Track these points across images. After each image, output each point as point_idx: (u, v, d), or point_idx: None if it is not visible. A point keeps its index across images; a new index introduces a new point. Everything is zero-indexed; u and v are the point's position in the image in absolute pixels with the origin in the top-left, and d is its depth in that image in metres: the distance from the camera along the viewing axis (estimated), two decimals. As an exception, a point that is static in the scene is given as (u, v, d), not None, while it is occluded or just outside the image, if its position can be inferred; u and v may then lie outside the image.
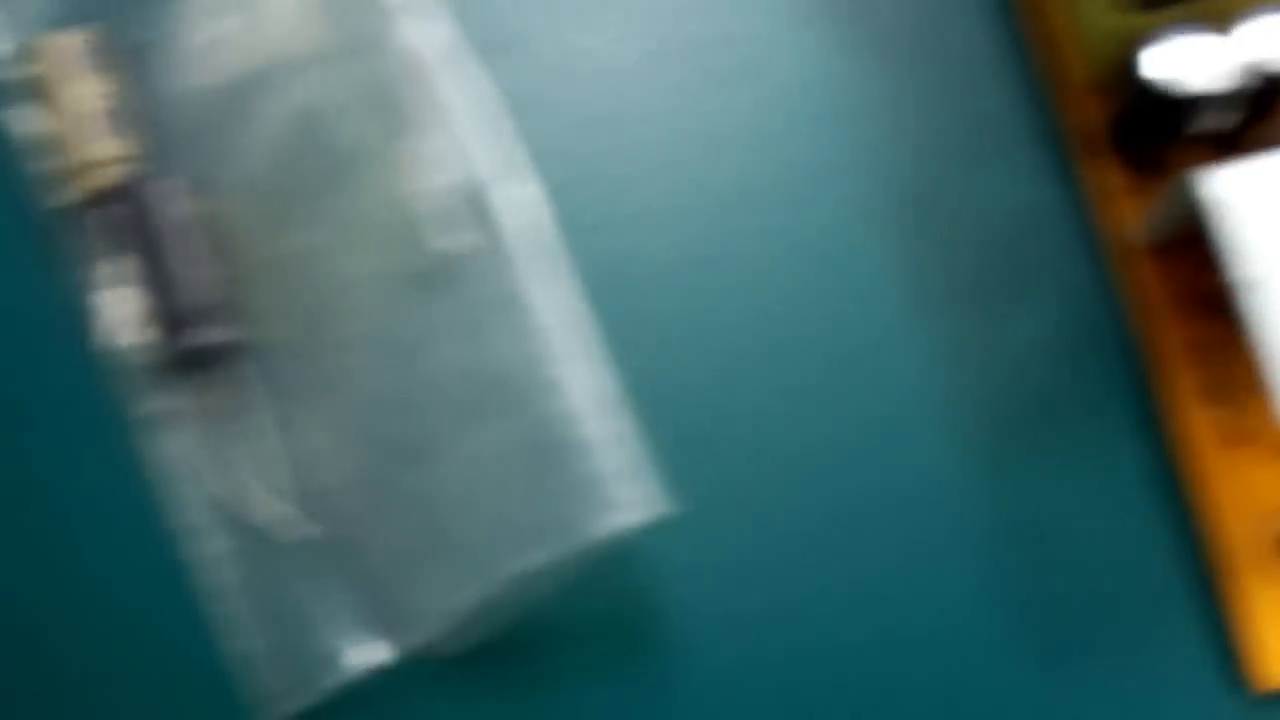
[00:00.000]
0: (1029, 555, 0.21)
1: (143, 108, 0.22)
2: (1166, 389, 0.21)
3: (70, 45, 0.22)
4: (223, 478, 0.21)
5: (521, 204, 0.21)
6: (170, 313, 0.21)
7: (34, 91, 0.22)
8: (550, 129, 0.23)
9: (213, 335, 0.21)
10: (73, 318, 0.22)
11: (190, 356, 0.21)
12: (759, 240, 0.23)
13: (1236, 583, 0.20)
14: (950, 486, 0.22)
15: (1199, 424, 0.21)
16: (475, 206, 0.20)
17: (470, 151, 0.20)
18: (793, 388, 0.22)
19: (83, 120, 0.22)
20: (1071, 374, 0.22)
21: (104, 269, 0.22)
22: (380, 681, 0.21)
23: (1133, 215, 0.21)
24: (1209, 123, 0.20)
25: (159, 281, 0.21)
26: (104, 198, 0.22)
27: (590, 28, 0.23)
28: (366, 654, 0.21)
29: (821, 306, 0.22)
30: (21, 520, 0.22)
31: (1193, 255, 0.20)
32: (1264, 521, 0.20)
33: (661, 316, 0.22)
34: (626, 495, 0.19)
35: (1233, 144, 0.21)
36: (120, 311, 0.22)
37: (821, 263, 0.22)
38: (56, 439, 0.22)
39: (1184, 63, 0.19)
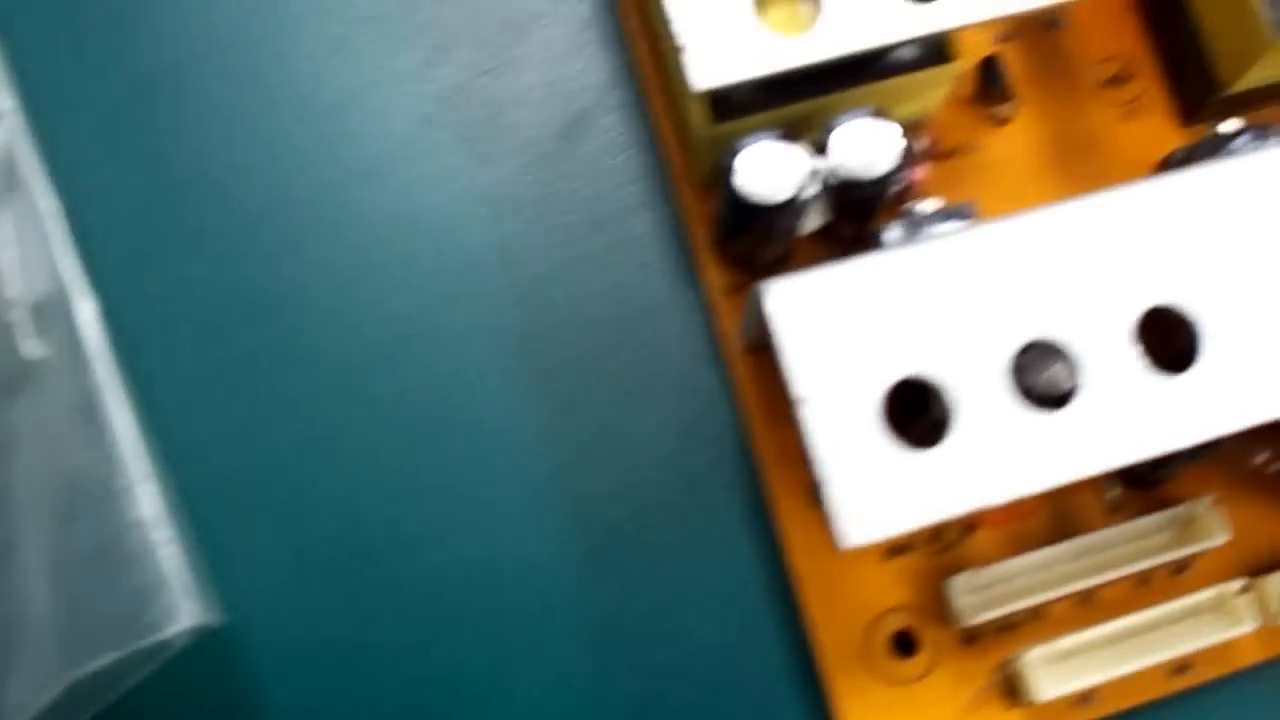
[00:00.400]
0: (640, 654, 0.21)
1: None
2: (771, 491, 0.21)
3: None
4: None
5: (86, 320, 0.20)
6: None
7: None
8: (138, 237, 0.22)
9: None
10: None
11: None
12: (376, 328, 0.22)
13: (831, 681, 0.21)
14: (562, 581, 0.22)
15: (796, 526, 0.21)
16: (47, 319, 0.20)
17: (38, 266, 0.20)
18: (397, 473, 0.22)
19: None
20: (690, 471, 0.22)
21: None
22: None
23: (736, 316, 0.22)
24: (799, 226, 0.20)
25: None
26: None
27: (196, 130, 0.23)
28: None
29: (434, 391, 0.22)
30: None
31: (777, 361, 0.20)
32: (855, 623, 0.21)
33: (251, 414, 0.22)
34: (184, 604, 0.19)
35: (851, 246, 0.21)
36: None
37: (439, 347, 0.22)
38: None
39: (767, 169, 0.20)
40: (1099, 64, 0.23)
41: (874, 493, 0.17)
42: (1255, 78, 0.22)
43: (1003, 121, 0.23)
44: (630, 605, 0.22)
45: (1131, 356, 0.18)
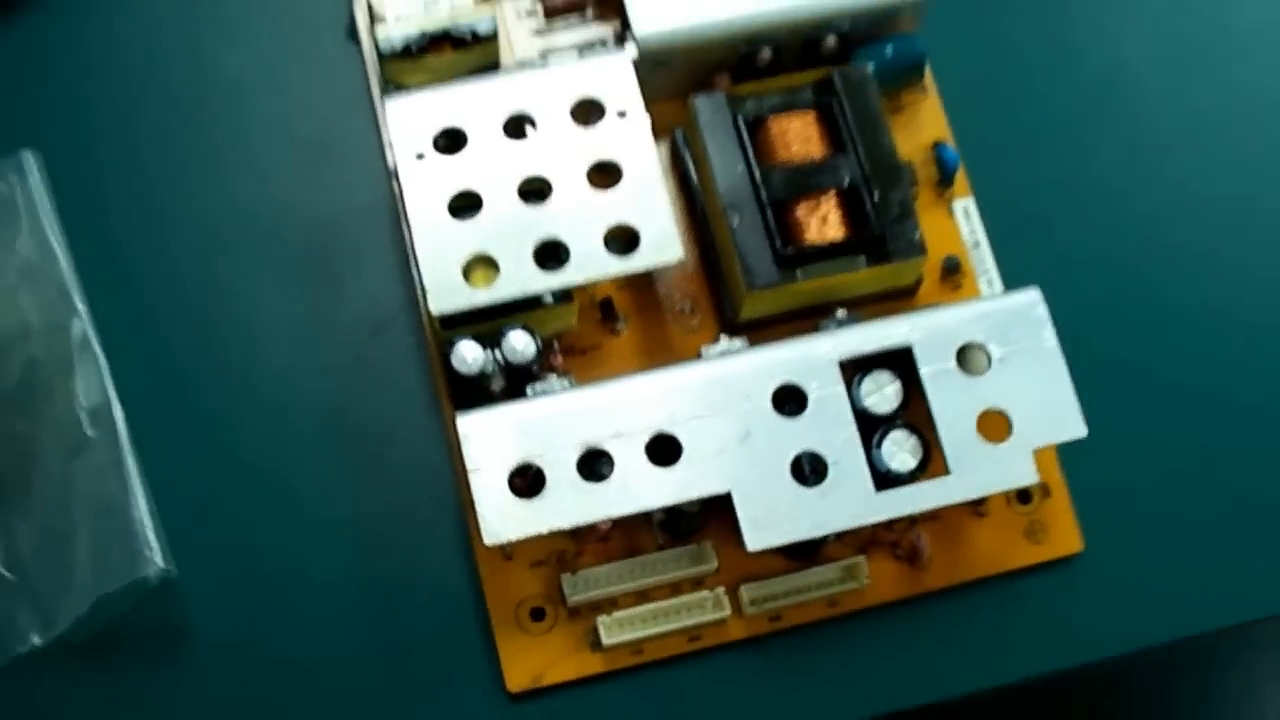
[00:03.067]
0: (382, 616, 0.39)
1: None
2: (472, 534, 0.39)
3: None
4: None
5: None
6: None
7: None
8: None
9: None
10: None
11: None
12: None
13: (497, 635, 0.38)
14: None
15: (485, 552, 0.39)
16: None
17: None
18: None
19: None
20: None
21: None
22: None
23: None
24: (491, 387, 0.38)
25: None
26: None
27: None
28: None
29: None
30: None
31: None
32: (510, 600, 0.38)
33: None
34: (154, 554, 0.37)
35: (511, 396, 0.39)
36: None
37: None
38: None
39: (465, 356, 0.38)
40: (679, 300, 0.41)
41: (503, 520, 0.35)
42: (748, 312, 0.40)
43: (618, 333, 0.41)
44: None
45: (643, 459, 0.36)
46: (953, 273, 0.42)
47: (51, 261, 0.40)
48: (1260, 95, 0.45)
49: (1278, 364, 0.42)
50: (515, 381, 0.38)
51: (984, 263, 0.42)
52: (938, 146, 0.43)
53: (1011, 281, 0.42)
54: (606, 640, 0.38)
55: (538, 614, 0.39)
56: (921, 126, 0.44)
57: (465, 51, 0.41)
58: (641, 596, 0.38)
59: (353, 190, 0.42)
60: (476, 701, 0.38)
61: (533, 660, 0.38)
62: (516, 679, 0.38)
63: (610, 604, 0.38)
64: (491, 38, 0.41)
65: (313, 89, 0.43)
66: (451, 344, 0.38)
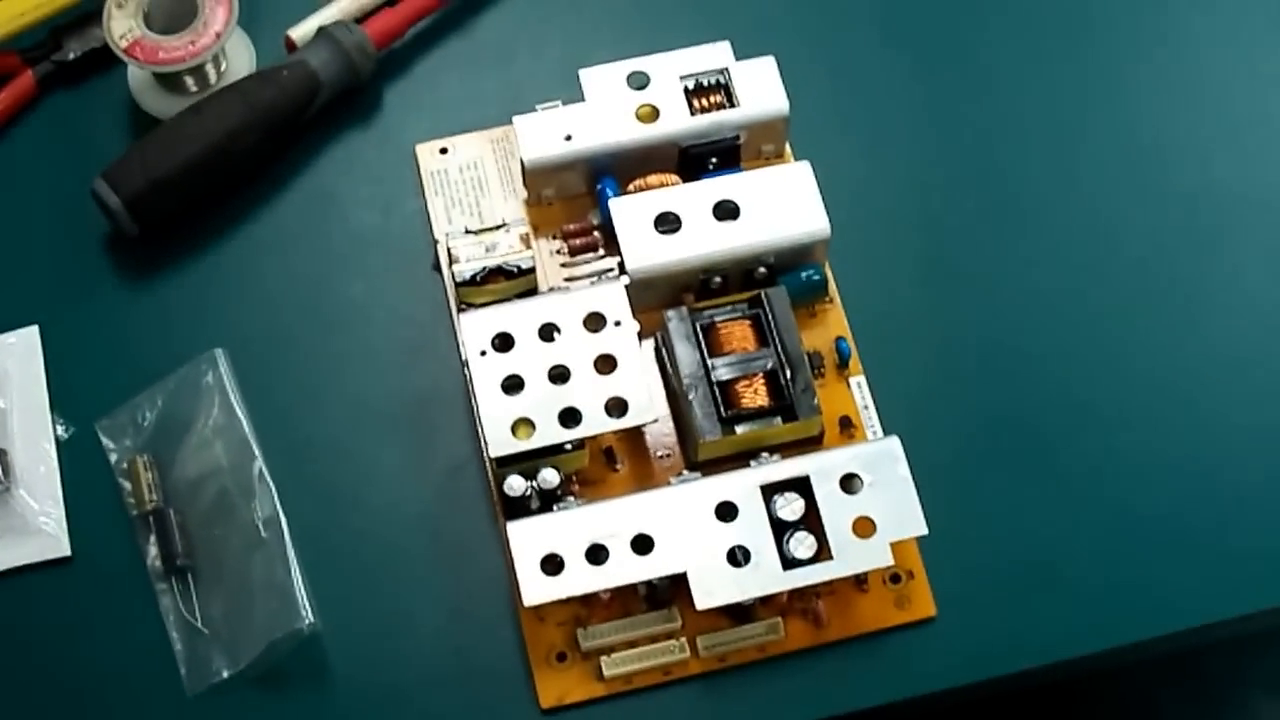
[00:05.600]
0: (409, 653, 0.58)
1: None
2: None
3: None
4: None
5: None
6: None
7: None
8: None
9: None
10: None
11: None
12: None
13: (539, 667, 0.58)
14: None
15: (526, 612, 0.58)
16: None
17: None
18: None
19: None
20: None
21: None
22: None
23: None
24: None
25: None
26: None
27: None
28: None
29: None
30: None
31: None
32: (543, 645, 0.58)
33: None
34: (306, 614, 0.56)
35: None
36: None
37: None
38: None
39: (518, 486, 0.57)
40: (657, 448, 0.61)
41: (538, 590, 0.55)
42: (703, 455, 0.60)
43: (617, 470, 0.61)
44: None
45: (629, 550, 0.55)
46: (847, 426, 0.61)
47: (236, 423, 0.61)
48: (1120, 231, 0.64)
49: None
50: (546, 502, 0.58)
51: (871, 419, 0.62)
52: (838, 340, 0.62)
53: (890, 428, 0.61)
54: (607, 673, 0.57)
55: (561, 656, 0.58)
56: (829, 326, 0.63)
57: (513, 280, 0.61)
58: (630, 644, 0.57)
59: (437, 376, 0.62)
60: (522, 713, 0.57)
61: (558, 686, 0.57)
62: (547, 699, 0.57)
63: (610, 649, 0.57)
64: (531, 270, 0.61)
65: (410, 305, 0.63)
66: (504, 477, 0.57)
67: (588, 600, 0.57)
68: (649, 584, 0.56)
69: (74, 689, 0.57)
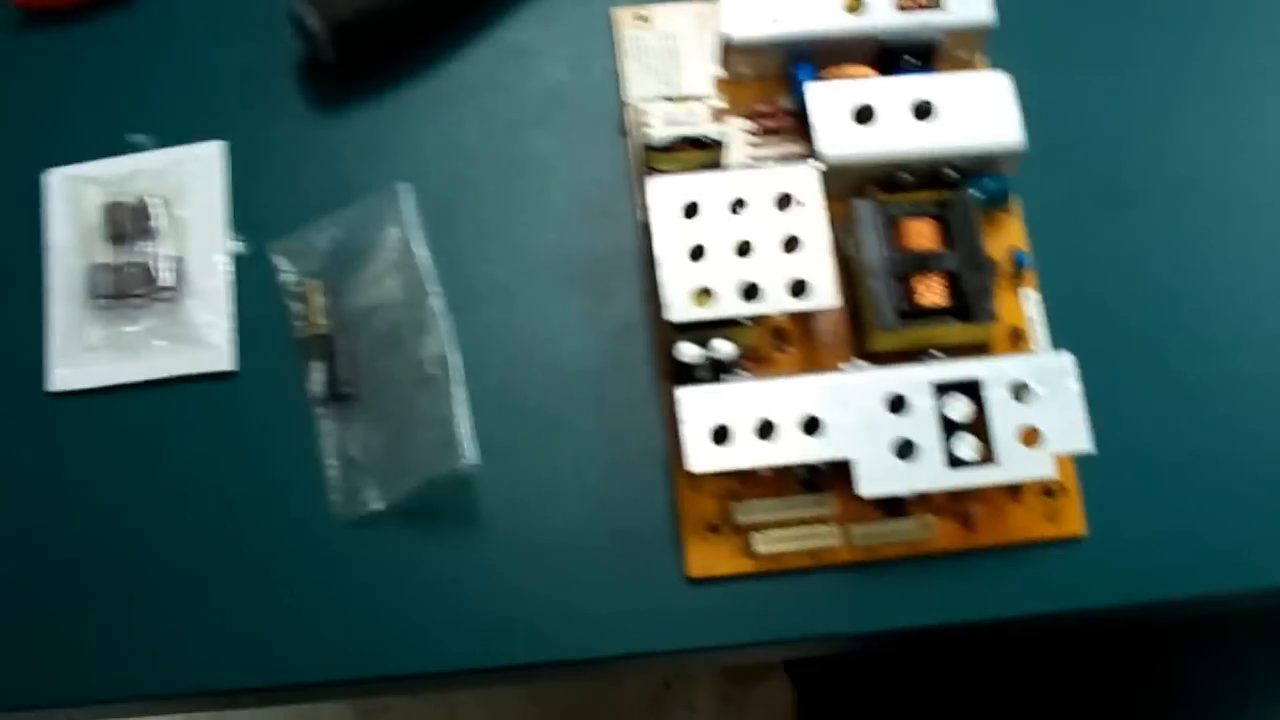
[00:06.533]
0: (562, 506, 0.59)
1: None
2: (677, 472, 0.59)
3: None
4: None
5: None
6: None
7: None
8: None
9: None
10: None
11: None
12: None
13: (689, 536, 0.58)
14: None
15: (681, 472, 0.58)
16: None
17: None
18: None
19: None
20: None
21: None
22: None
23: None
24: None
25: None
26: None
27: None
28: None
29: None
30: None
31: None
32: (699, 514, 0.58)
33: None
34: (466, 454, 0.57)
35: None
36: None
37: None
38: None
39: (691, 352, 0.58)
40: (829, 334, 0.61)
41: (703, 457, 0.55)
42: (875, 346, 0.60)
43: (786, 351, 0.61)
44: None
45: (798, 430, 0.56)
46: (1016, 338, 0.61)
47: (414, 260, 0.61)
48: None
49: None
50: (716, 373, 0.58)
51: (1039, 332, 0.62)
52: (1015, 251, 0.62)
53: (1058, 344, 0.61)
54: (758, 550, 0.57)
55: (713, 528, 0.58)
56: (1007, 236, 0.63)
57: (703, 151, 0.61)
58: (782, 524, 0.58)
59: (615, 238, 0.62)
60: (669, 579, 0.58)
61: (707, 557, 0.58)
62: (695, 568, 0.58)
63: (762, 526, 0.58)
64: (721, 144, 0.61)
65: (593, 166, 0.63)
66: (676, 342, 0.58)
67: (745, 477, 0.58)
68: (809, 468, 0.57)
69: (223, 501, 0.58)
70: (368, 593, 0.57)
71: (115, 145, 0.63)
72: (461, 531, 0.58)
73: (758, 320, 0.58)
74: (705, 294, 0.57)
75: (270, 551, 0.58)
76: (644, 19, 0.66)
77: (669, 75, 0.64)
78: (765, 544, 0.57)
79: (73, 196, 0.62)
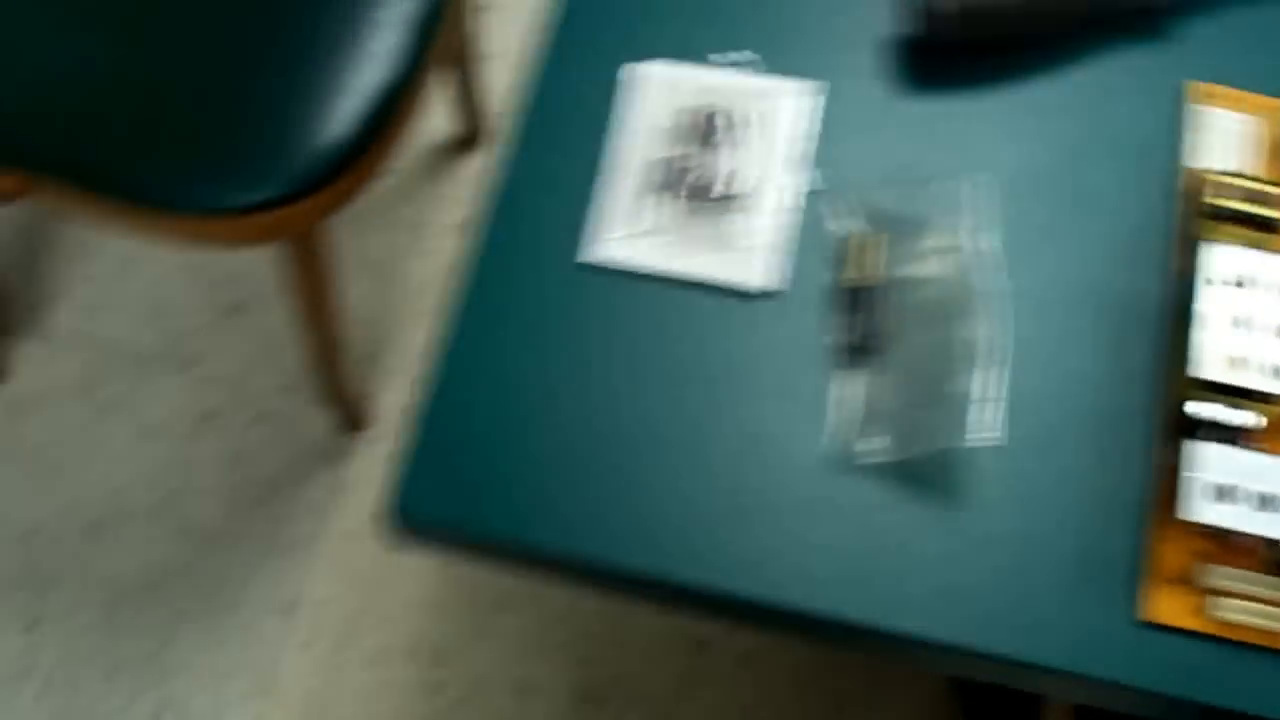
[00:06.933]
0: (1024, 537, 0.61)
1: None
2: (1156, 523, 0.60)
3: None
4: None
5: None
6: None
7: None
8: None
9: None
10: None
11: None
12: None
13: (1151, 580, 0.60)
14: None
15: (1159, 525, 0.60)
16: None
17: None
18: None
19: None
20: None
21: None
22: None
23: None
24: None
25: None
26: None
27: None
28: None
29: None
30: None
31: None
32: (1172, 566, 0.60)
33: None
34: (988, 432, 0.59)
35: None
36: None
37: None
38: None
39: (1209, 411, 0.59)
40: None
41: (1203, 511, 0.57)
42: None
43: (1283, 439, 0.62)
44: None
45: None
46: None
47: (985, 246, 0.64)
48: None
49: None
50: (1220, 437, 0.60)
51: None
52: None
53: None
54: (1218, 615, 0.58)
55: (1178, 581, 0.59)
56: None
57: (1254, 231, 0.63)
58: (1251, 598, 0.59)
59: (1143, 283, 0.65)
60: (1119, 615, 0.59)
61: (1163, 606, 0.59)
62: (1149, 612, 0.59)
63: (1225, 593, 0.59)
64: (1276, 229, 0.63)
65: (1136, 214, 0.66)
66: (1190, 399, 0.60)
67: (1221, 541, 0.59)
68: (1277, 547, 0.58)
69: (722, 407, 0.62)
70: (836, 532, 0.60)
71: (699, 56, 0.69)
72: (942, 503, 0.60)
73: (1274, 400, 0.60)
74: (1233, 362, 0.59)
75: (755, 468, 0.61)
76: (1213, 96, 0.68)
77: (1230, 153, 0.66)
78: (1231, 612, 0.58)
79: (657, 93, 0.67)
